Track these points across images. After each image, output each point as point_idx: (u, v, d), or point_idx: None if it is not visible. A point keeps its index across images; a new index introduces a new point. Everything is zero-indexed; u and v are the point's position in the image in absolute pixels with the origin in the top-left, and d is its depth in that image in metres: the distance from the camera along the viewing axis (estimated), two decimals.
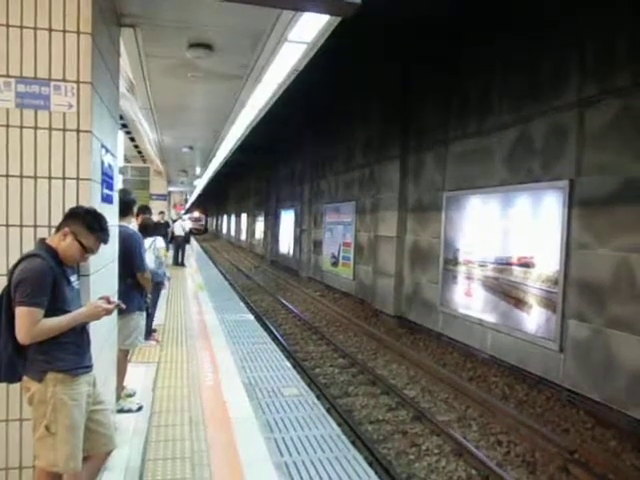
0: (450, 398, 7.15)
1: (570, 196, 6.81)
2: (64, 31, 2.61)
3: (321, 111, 15.82)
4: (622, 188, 6.12)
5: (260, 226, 31.02)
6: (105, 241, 2.45)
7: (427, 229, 10.62)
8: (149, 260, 6.08)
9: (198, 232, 57.50)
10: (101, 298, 2.41)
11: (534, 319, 7.42)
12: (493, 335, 8.33)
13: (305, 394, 4.99)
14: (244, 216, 38.10)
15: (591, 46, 6.66)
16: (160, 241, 6.53)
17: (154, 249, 6.24)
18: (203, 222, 67.60)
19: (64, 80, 2.62)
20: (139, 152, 12.61)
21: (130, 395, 4.43)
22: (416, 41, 9.97)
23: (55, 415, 2.21)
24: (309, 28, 3.89)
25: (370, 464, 4.31)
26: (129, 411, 4.17)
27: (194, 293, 11.10)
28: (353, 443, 4.55)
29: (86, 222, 2.33)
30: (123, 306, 2.49)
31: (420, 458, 5.47)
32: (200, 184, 26.16)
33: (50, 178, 2.62)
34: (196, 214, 63.81)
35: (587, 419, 6.24)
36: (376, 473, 3.67)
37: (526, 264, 7.59)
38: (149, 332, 6.67)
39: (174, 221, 16.69)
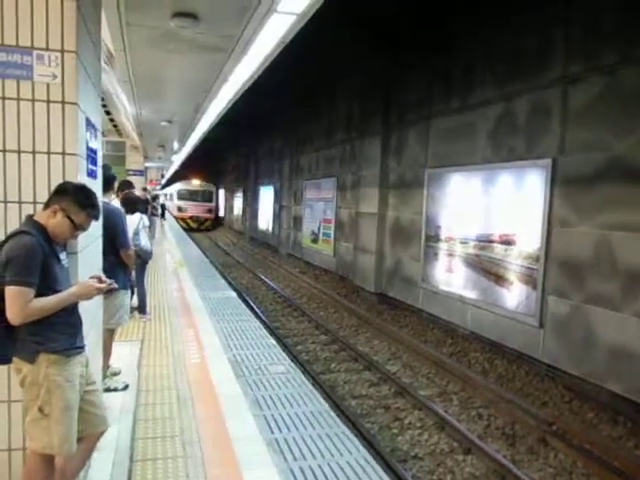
0: (431, 373, 7.26)
1: (552, 174, 6.85)
2: None
3: (302, 85, 15.56)
4: (604, 166, 6.17)
5: (239, 202, 30.72)
6: (96, 217, 2.38)
7: (409, 206, 10.63)
8: (143, 238, 6.02)
9: (199, 225, 32.16)
10: (92, 277, 2.34)
11: (514, 295, 7.54)
12: (474, 311, 8.45)
13: (292, 371, 5.00)
14: (222, 192, 37.68)
15: (577, 22, 6.64)
16: (145, 218, 6.44)
17: (144, 227, 6.13)
18: (213, 204, 34.43)
19: (47, 49, 2.49)
20: (115, 126, 12.27)
21: (116, 374, 4.38)
22: (400, 15, 9.82)
23: (49, 397, 2.16)
24: None
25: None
26: (115, 390, 4.14)
27: (174, 270, 10.99)
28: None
29: (77, 198, 2.25)
30: (115, 285, 2.43)
31: (403, 432, 5.56)
32: (178, 159, 25.72)
33: (34, 153, 2.50)
34: (195, 183, 33.83)
35: (565, 393, 6.40)
36: (365, 447, 3.70)
37: (507, 241, 7.67)
38: (144, 308, 6.60)
39: (153, 198, 16.44)
